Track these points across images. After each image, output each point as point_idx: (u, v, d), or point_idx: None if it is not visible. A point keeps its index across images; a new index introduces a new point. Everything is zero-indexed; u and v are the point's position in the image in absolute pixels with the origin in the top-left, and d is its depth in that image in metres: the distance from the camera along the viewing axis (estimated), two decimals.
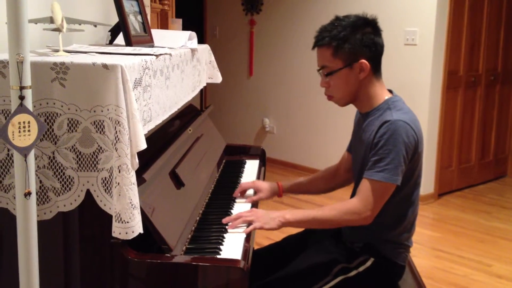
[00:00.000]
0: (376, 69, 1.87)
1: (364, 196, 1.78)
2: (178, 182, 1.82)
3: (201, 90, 2.57)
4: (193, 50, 2.19)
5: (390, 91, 1.94)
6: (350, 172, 2.13)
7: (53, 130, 1.39)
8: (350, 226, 1.90)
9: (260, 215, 1.81)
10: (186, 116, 2.29)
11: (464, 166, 5.05)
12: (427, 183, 4.67)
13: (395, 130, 1.76)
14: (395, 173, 1.75)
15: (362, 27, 1.83)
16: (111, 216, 1.38)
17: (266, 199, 2.17)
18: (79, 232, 1.45)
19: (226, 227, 1.78)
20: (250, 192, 2.18)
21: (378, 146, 1.78)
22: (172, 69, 1.84)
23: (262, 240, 3.39)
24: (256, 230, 1.83)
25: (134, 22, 1.97)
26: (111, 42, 2.11)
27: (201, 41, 4.28)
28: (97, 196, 1.41)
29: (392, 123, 1.77)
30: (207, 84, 2.62)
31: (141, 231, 1.39)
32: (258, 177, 2.41)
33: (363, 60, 1.82)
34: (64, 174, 1.41)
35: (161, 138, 1.87)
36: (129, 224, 1.36)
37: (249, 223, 1.78)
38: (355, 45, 1.81)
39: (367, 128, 1.86)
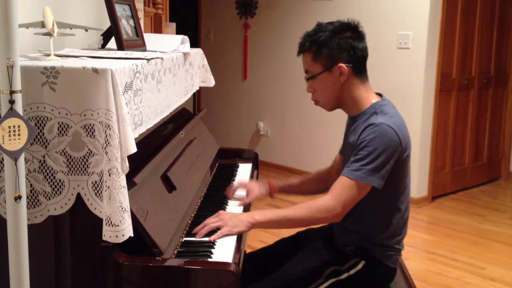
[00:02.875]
0: (359, 72, 1.89)
1: (336, 193, 1.79)
2: (169, 186, 1.82)
3: (195, 94, 2.58)
4: (185, 54, 2.20)
5: (380, 94, 1.95)
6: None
7: (43, 134, 1.39)
8: (322, 223, 1.89)
9: (228, 218, 1.78)
10: (178, 119, 2.30)
11: (458, 169, 5.07)
12: (420, 186, 4.68)
13: (378, 133, 1.78)
14: (371, 174, 1.77)
15: (341, 31, 1.87)
16: (101, 220, 1.38)
17: (258, 199, 2.18)
18: (69, 235, 1.46)
19: (196, 236, 1.74)
20: (242, 193, 2.18)
21: (359, 147, 1.80)
22: (164, 73, 1.85)
23: (255, 243, 3.39)
24: (248, 232, 1.83)
25: (126, 26, 1.97)
26: (103, 46, 2.11)
27: (195, 45, 4.30)
28: (88, 200, 1.41)
29: (376, 126, 1.79)
30: (202, 87, 2.63)
31: (132, 234, 1.40)
32: (250, 180, 2.41)
33: (341, 64, 1.85)
34: (54, 178, 1.41)
35: (153, 142, 1.88)
36: (119, 228, 1.36)
37: (217, 229, 1.76)
38: (332, 49, 1.85)
39: (354, 132, 1.88)
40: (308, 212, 1.80)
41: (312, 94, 1.95)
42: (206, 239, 1.71)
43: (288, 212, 1.82)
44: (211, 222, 1.78)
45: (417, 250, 3.76)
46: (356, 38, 1.88)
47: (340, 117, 3.06)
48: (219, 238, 1.71)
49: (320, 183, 2.22)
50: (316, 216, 1.80)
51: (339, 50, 1.85)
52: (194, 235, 1.74)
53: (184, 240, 1.72)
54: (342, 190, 1.79)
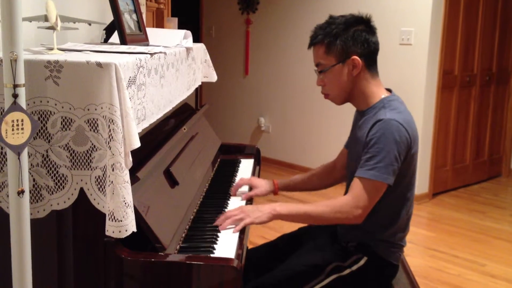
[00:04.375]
0: (370, 66, 1.89)
1: (355, 195, 1.78)
2: (172, 181, 1.82)
3: (197, 89, 2.57)
4: (188, 49, 2.19)
5: (390, 90, 1.95)
6: (346, 169, 2.15)
7: (46, 128, 1.39)
8: (341, 224, 1.90)
9: (250, 210, 1.79)
10: (181, 115, 2.29)
11: (459, 166, 5.06)
12: (421, 183, 4.68)
13: (387, 129, 1.76)
14: (385, 171, 1.76)
15: (354, 24, 1.86)
16: (104, 215, 1.37)
17: (261, 195, 2.18)
18: (72, 230, 1.45)
19: (219, 228, 1.76)
20: (245, 189, 2.18)
21: (370, 145, 1.79)
22: (167, 68, 1.84)
23: (257, 239, 3.39)
24: (250, 228, 1.82)
25: (129, 20, 1.96)
26: (106, 41, 2.10)
27: (197, 40, 4.29)
28: (91, 195, 1.40)
29: (384, 122, 1.78)
30: (203, 83, 2.62)
31: (135, 229, 1.39)
32: (252, 176, 2.41)
33: (355, 57, 1.84)
34: (57, 172, 1.41)
35: (155, 137, 1.87)
36: (122, 223, 1.35)
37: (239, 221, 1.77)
38: (346, 42, 1.84)
39: (363, 126, 1.87)
40: (329, 210, 1.79)
41: (322, 87, 1.93)
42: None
43: (309, 208, 1.81)
44: (233, 214, 1.78)
45: (417, 247, 3.77)
46: (369, 32, 1.87)
47: (342, 113, 3.07)
48: (242, 228, 1.73)
49: (325, 178, 2.22)
50: (337, 216, 1.80)
51: (353, 42, 1.84)
52: (196, 230, 1.74)
53: (187, 236, 1.71)
54: (360, 191, 1.77)
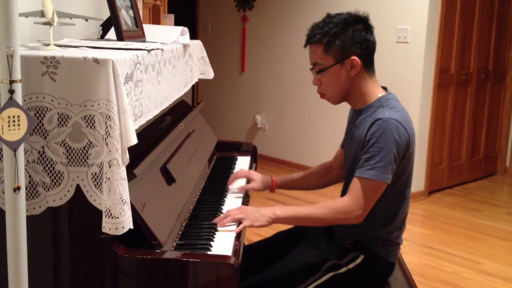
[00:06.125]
0: (368, 66, 1.87)
1: (355, 195, 1.77)
2: (169, 178, 1.81)
3: (193, 86, 2.57)
4: (185, 46, 2.19)
5: (385, 88, 1.94)
6: (343, 169, 2.14)
7: (43, 125, 1.38)
8: (341, 224, 1.90)
9: (249, 212, 1.78)
10: (177, 111, 2.28)
11: (455, 164, 5.07)
12: (417, 181, 4.69)
13: (387, 128, 1.76)
14: (385, 171, 1.75)
15: (353, 24, 1.83)
16: (101, 212, 1.37)
17: (258, 190, 2.17)
18: (68, 227, 1.44)
19: (216, 225, 1.76)
20: (242, 182, 2.18)
21: (369, 144, 1.78)
22: (164, 65, 1.84)
23: (253, 237, 3.39)
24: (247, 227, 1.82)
25: (125, 16, 1.96)
26: (102, 37, 2.09)
27: (193, 37, 4.28)
28: (87, 191, 1.40)
29: (384, 121, 1.77)
30: (199, 80, 2.62)
31: (131, 226, 1.39)
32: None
33: (354, 57, 1.83)
34: (54, 169, 1.40)
35: (152, 134, 1.86)
36: (119, 220, 1.35)
37: (238, 221, 1.77)
38: (345, 42, 1.82)
39: (360, 125, 1.87)
40: (329, 212, 1.79)
41: (318, 87, 1.92)
42: (227, 229, 1.72)
43: (309, 211, 1.81)
44: (233, 214, 1.78)
45: (413, 244, 3.77)
46: (367, 31, 1.85)
47: (338, 110, 3.06)
48: (240, 230, 1.72)
49: (322, 177, 2.21)
50: (337, 217, 1.79)
51: (352, 42, 1.82)
52: (192, 228, 1.74)
53: (183, 233, 1.71)
54: (360, 191, 1.77)
